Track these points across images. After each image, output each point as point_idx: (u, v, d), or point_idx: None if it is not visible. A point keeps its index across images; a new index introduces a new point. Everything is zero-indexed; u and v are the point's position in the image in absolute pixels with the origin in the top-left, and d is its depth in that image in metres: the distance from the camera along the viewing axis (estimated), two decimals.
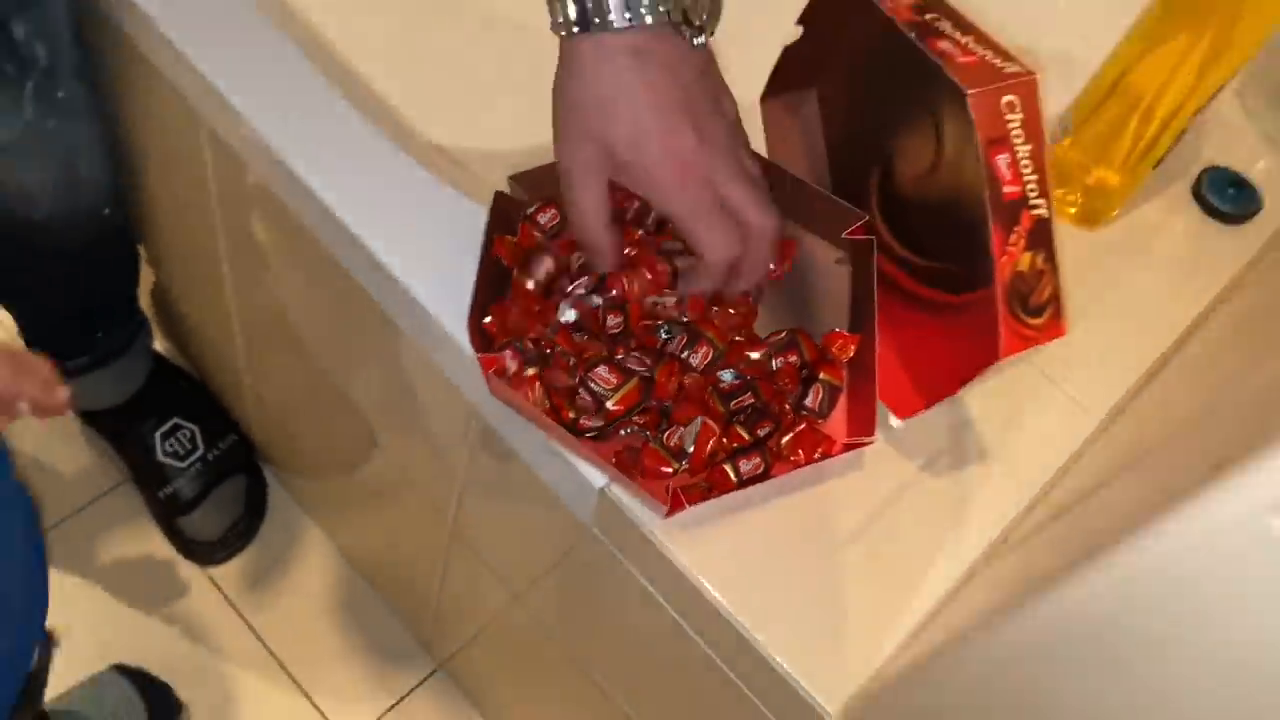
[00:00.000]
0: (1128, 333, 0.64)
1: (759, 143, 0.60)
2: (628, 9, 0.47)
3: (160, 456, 1.02)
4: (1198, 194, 0.70)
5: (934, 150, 0.53)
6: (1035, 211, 0.45)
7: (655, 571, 0.55)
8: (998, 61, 0.45)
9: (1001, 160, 0.44)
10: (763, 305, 0.58)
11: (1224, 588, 0.29)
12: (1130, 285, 0.66)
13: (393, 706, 1.01)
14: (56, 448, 1.08)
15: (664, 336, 0.56)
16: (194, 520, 1.03)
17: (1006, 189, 0.44)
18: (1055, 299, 0.46)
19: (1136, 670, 0.34)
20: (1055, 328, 0.47)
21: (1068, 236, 0.68)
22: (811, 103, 0.59)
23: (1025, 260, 0.45)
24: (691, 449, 0.53)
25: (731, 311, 0.57)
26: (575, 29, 0.47)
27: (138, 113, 0.80)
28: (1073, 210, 0.67)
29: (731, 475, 0.53)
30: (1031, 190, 0.45)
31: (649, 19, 0.47)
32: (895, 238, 0.57)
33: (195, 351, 1.10)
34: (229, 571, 1.05)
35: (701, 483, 0.53)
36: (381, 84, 0.71)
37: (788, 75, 0.58)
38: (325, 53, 0.70)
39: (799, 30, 0.55)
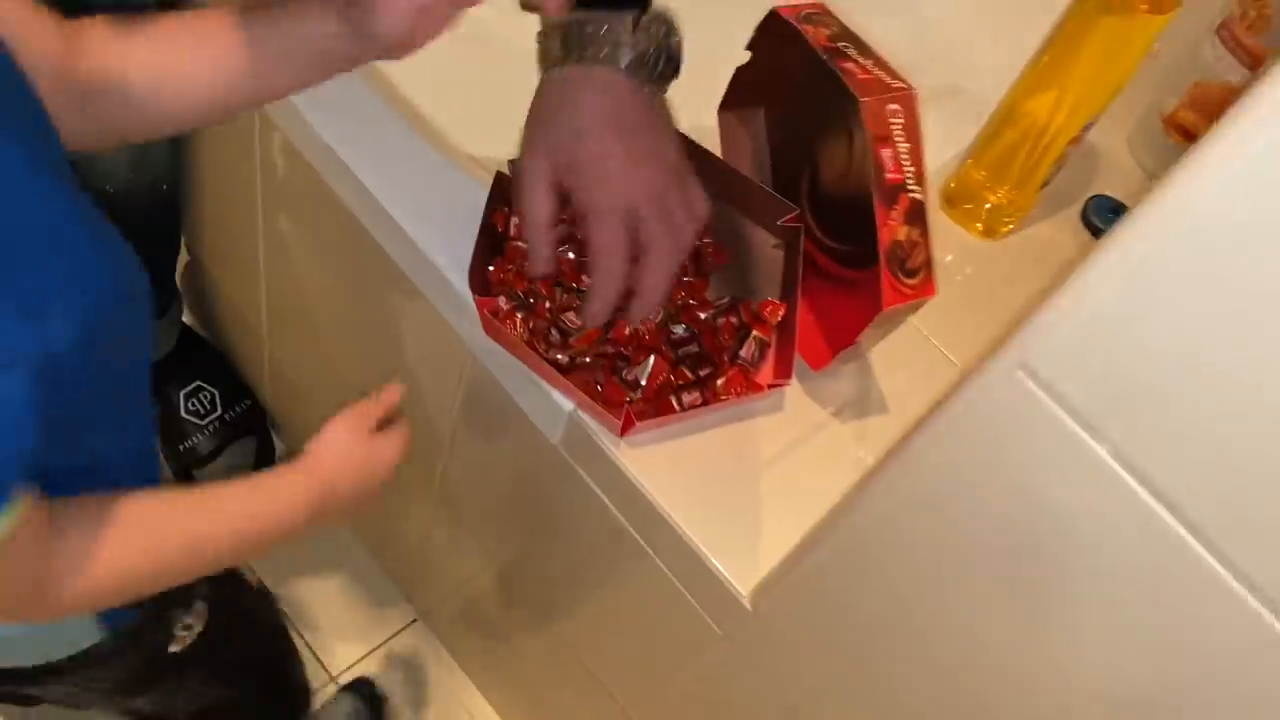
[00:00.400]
0: (1015, 323, 0.77)
1: (715, 147, 0.73)
2: (596, 51, 0.58)
3: (183, 413, 1.14)
4: (1085, 217, 0.84)
5: (848, 155, 0.66)
6: (912, 195, 0.58)
7: (609, 482, 0.67)
8: (887, 79, 0.59)
9: (886, 154, 0.57)
10: (713, 276, 0.71)
11: (993, 423, 0.42)
12: (1020, 285, 0.79)
13: (376, 648, 1.12)
14: None
15: None
16: (208, 473, 1.15)
17: (889, 175, 0.58)
18: (927, 265, 0.59)
19: (945, 510, 0.47)
20: (927, 288, 0.60)
21: (973, 246, 0.81)
22: (759, 115, 0.73)
23: (903, 232, 0.58)
24: (645, 382, 0.66)
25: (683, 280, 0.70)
26: (554, 66, 0.59)
27: None
28: (979, 225, 0.81)
29: (675, 404, 0.66)
30: (910, 178, 0.58)
31: (618, 63, 0.58)
32: (819, 226, 0.70)
33: (220, 326, 1.22)
34: None
35: (651, 409, 0.66)
36: (408, 92, 0.84)
37: (739, 92, 0.72)
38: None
39: (748, 55, 0.69)
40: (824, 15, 0.63)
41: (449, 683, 1.14)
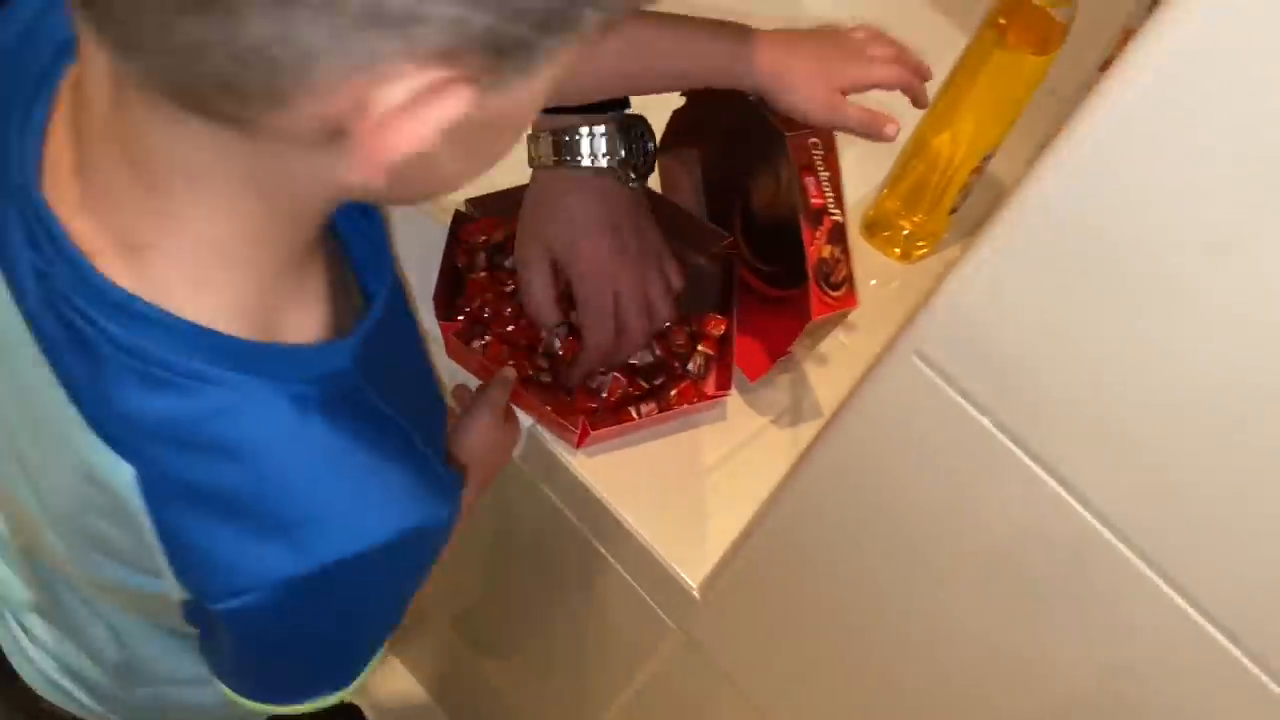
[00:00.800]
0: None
1: (655, 183, 0.80)
2: (585, 155, 0.66)
3: None
4: None
5: (775, 186, 0.74)
6: (833, 217, 0.65)
7: (566, 490, 0.73)
8: None
9: (810, 181, 0.65)
10: None
11: (895, 405, 0.49)
12: None
13: None
14: None
15: None
16: None
17: (814, 200, 0.65)
18: (849, 280, 0.67)
19: (859, 489, 0.54)
20: (850, 299, 0.67)
21: (893, 269, 0.89)
22: (695, 155, 0.80)
23: (827, 250, 0.65)
24: (605, 394, 0.72)
25: None
26: (544, 168, 0.68)
27: None
28: (896, 250, 0.89)
29: (634, 413, 0.72)
30: (831, 203, 0.65)
31: (601, 164, 0.66)
32: (750, 251, 0.77)
33: None
34: None
35: (611, 418, 0.72)
36: None
37: (675, 134, 0.79)
38: None
39: (682, 100, 0.76)
40: None
41: (414, 706, 1.17)
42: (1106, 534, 0.45)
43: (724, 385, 0.74)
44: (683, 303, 0.79)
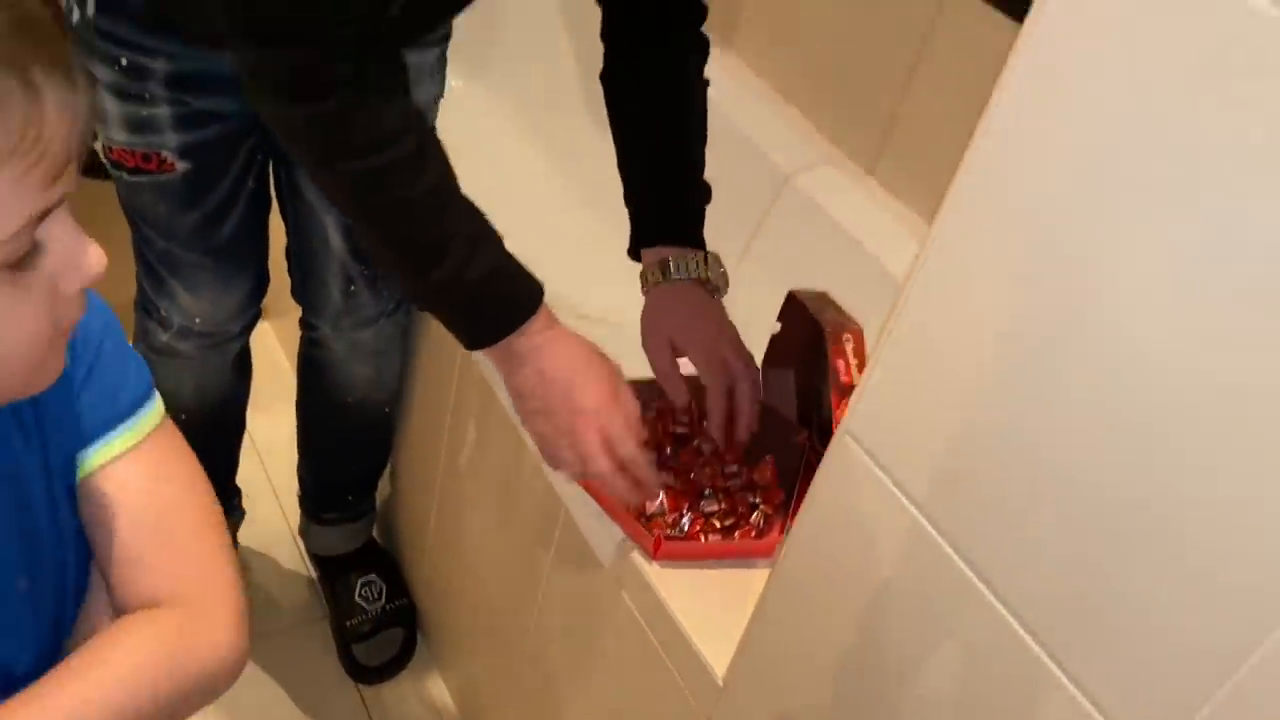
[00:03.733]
0: None
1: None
2: (683, 277, 0.97)
3: (356, 596, 1.45)
4: None
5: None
6: None
7: (639, 594, 0.92)
8: (845, 321, 0.90)
9: (840, 363, 0.87)
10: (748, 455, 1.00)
11: (834, 481, 0.68)
12: None
13: None
14: (287, 581, 1.53)
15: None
16: (364, 648, 1.43)
17: (843, 378, 0.87)
18: None
19: (828, 559, 0.71)
20: None
21: None
22: (789, 372, 1.05)
23: None
24: (687, 528, 0.94)
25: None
26: (654, 286, 0.99)
27: (419, 340, 1.33)
28: None
29: (701, 539, 0.92)
30: (858, 383, 0.87)
31: (694, 280, 0.97)
32: (821, 443, 0.99)
33: (397, 535, 1.56)
34: (376, 693, 1.42)
35: (681, 540, 0.92)
36: None
37: (775, 352, 1.04)
38: None
39: (778, 325, 1.02)
40: (822, 295, 0.97)
41: None
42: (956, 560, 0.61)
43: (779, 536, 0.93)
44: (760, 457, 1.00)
